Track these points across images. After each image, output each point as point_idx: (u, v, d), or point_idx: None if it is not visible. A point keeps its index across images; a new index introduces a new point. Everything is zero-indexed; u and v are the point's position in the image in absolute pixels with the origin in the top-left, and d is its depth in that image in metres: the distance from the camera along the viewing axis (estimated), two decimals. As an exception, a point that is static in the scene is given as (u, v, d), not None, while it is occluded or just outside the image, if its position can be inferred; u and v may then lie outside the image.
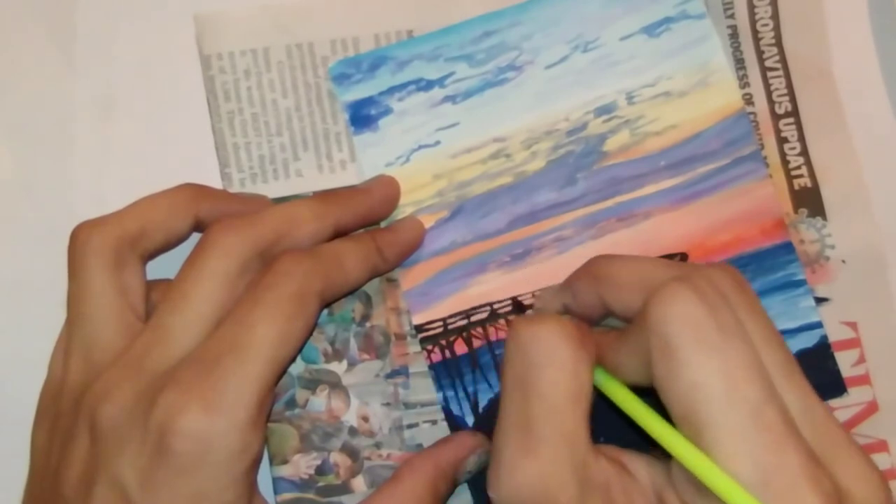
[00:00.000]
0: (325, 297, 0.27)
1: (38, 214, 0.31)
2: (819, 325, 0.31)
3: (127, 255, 0.27)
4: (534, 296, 0.31)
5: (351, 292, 0.29)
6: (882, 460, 0.31)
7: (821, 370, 0.31)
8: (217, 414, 0.24)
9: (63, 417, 0.26)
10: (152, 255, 0.28)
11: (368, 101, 0.32)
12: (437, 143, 0.32)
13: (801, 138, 0.32)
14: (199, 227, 0.28)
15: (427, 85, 0.32)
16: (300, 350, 0.27)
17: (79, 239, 0.27)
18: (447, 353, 0.31)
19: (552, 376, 0.23)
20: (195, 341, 0.25)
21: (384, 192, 0.30)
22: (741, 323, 0.23)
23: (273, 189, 0.31)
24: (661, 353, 0.22)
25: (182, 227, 0.28)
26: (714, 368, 0.22)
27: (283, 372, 0.26)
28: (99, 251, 0.26)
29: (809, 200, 0.32)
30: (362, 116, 0.31)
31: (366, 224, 0.30)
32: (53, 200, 0.31)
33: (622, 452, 0.24)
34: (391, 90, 0.32)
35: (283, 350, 0.25)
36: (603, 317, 0.27)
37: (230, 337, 0.25)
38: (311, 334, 0.28)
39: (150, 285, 0.28)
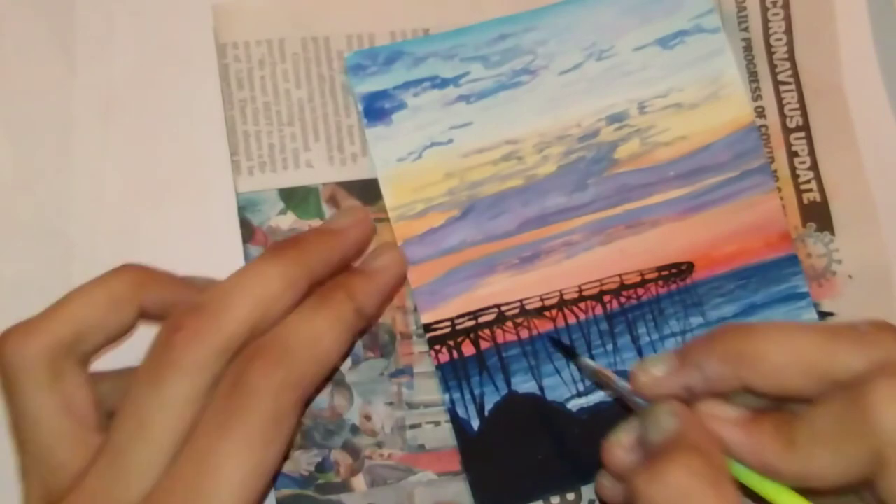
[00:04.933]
0: (304, 401, 0.23)
1: (38, 214, 0.30)
2: (822, 338, 0.31)
3: (62, 363, 0.23)
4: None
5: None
6: (883, 476, 0.31)
7: None
8: None
9: None
10: (93, 355, 0.24)
11: (383, 95, 0.31)
12: (450, 141, 0.31)
13: (812, 153, 0.33)
14: (144, 317, 0.25)
15: (442, 83, 0.32)
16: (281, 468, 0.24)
17: (5, 356, 0.23)
18: (455, 354, 0.30)
19: None
20: (157, 473, 0.22)
21: (359, 234, 0.27)
22: None
23: (282, 179, 0.31)
24: None
25: (125, 322, 0.24)
26: None
27: (266, 496, 0.23)
28: (30, 368, 0.23)
29: (818, 215, 0.32)
30: (376, 109, 0.31)
31: (340, 270, 0.26)
32: (52, 200, 0.30)
33: None
34: (406, 85, 0.31)
35: (258, 485, 0.22)
36: (733, 392, 0.24)
37: (193, 484, 0.21)
38: (291, 445, 0.24)
39: (101, 377, 0.25)
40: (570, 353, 0.29)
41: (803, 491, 0.22)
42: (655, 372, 0.25)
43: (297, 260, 0.24)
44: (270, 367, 0.22)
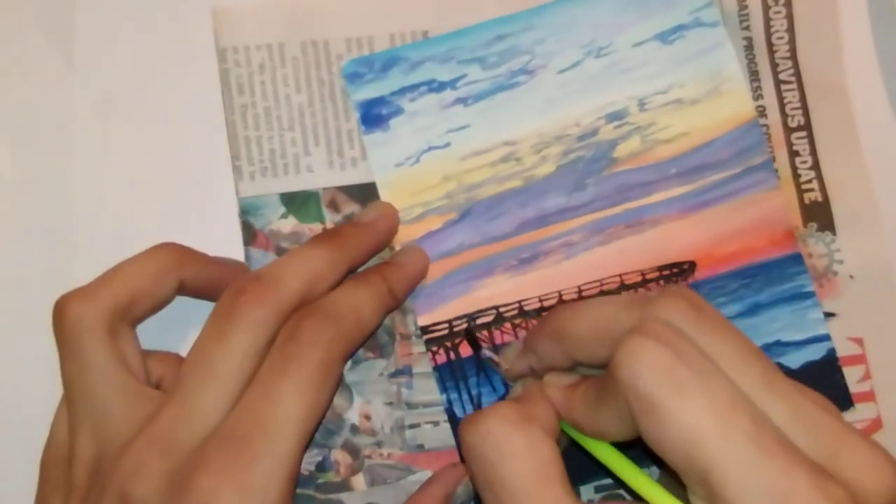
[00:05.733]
0: (348, 357, 0.27)
1: (38, 214, 0.31)
2: (827, 337, 0.31)
3: (118, 324, 0.26)
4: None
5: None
6: (884, 477, 0.31)
7: (828, 383, 0.31)
8: (250, 496, 0.23)
9: (80, 490, 0.26)
10: (141, 320, 0.28)
11: (380, 101, 0.32)
12: (448, 144, 0.32)
13: (813, 152, 0.32)
14: (181, 290, 0.28)
15: (439, 86, 0.32)
16: (326, 413, 0.27)
17: (68, 315, 0.26)
18: (452, 355, 0.31)
19: (509, 467, 0.23)
20: (222, 415, 0.25)
21: (387, 225, 0.30)
22: (708, 356, 0.22)
23: (283, 184, 0.31)
24: (643, 409, 0.22)
25: (168, 292, 0.28)
26: (701, 408, 0.21)
27: (312, 438, 0.26)
28: (93, 328, 0.26)
29: (819, 215, 0.32)
30: (373, 116, 0.31)
31: (372, 256, 0.30)
32: (53, 200, 0.31)
33: None
34: (403, 91, 0.32)
35: (312, 422, 0.25)
36: (573, 367, 0.27)
37: (259, 412, 0.24)
38: (335, 395, 0.28)
39: (147, 354, 0.28)
40: (475, 346, 0.30)
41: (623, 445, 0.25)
42: (509, 357, 0.29)
43: (337, 246, 0.28)
44: (322, 323, 0.26)
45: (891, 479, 0.21)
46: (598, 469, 0.30)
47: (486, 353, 0.30)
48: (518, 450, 0.23)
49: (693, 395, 0.21)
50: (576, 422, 0.25)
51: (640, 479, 0.24)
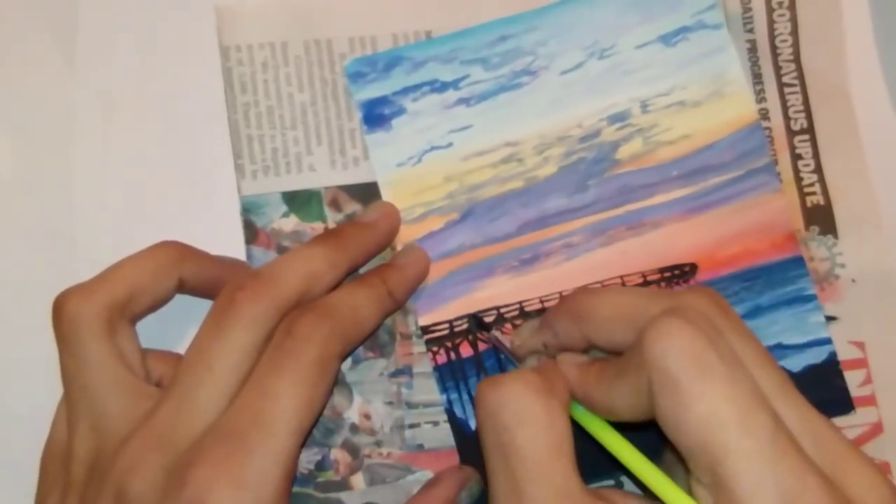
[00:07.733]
0: (344, 356, 0.27)
1: (38, 214, 0.31)
2: (828, 340, 0.31)
3: (118, 320, 0.26)
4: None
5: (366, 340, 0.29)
6: (884, 481, 0.31)
7: (828, 387, 0.31)
8: (245, 491, 0.23)
9: (78, 486, 0.26)
10: (140, 317, 0.28)
11: (382, 101, 0.32)
12: (450, 145, 0.32)
13: (816, 155, 0.32)
14: (181, 288, 0.28)
15: (441, 87, 0.32)
16: (323, 411, 0.27)
17: (67, 311, 0.26)
18: (452, 356, 0.31)
19: (527, 434, 0.23)
20: (219, 411, 0.25)
21: (388, 225, 0.30)
22: (734, 349, 0.23)
23: (285, 182, 0.31)
24: (666, 387, 0.22)
25: (168, 289, 0.28)
26: (725, 397, 0.21)
27: (308, 436, 0.26)
28: (91, 322, 0.26)
29: (821, 218, 0.32)
30: (375, 115, 0.31)
31: (373, 256, 0.30)
32: (53, 200, 0.31)
33: (622, 496, 0.24)
34: (405, 90, 0.32)
35: (308, 418, 0.25)
36: (586, 350, 0.27)
37: (255, 408, 0.24)
38: (331, 393, 0.28)
39: (147, 352, 0.28)
40: (485, 328, 0.30)
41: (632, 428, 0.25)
42: (523, 334, 0.29)
43: (338, 246, 0.28)
44: (318, 320, 0.26)
45: (888, 501, 0.22)
46: (590, 472, 0.30)
47: (495, 333, 0.30)
48: (538, 419, 0.23)
49: (718, 383, 0.22)
50: (589, 397, 0.25)
51: (644, 467, 0.24)
